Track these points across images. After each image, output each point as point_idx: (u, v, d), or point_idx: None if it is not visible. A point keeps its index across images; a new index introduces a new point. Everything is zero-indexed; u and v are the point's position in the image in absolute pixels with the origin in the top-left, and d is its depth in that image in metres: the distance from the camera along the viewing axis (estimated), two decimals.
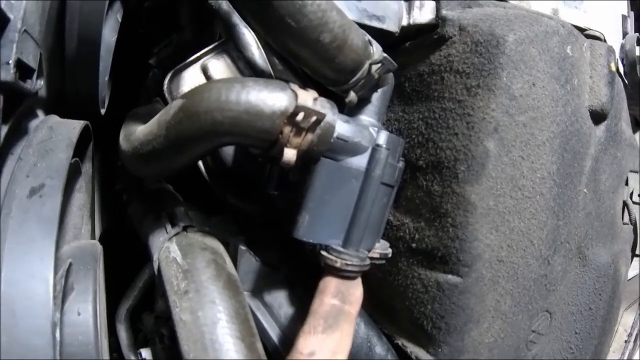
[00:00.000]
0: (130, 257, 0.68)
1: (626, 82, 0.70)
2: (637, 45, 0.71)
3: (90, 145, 0.63)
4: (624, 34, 0.76)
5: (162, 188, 0.69)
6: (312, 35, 0.39)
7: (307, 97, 0.40)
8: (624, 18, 0.77)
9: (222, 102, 0.39)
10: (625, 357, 0.79)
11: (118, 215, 0.74)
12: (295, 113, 0.39)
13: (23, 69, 0.43)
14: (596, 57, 0.57)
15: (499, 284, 0.52)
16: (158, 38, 0.81)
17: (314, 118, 0.39)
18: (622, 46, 0.72)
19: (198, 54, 0.62)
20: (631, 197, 0.73)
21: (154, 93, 0.72)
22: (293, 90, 0.40)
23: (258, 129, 0.39)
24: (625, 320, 0.81)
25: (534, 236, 0.53)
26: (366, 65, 0.44)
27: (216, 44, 0.62)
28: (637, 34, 0.73)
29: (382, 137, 0.45)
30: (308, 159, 0.43)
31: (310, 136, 0.41)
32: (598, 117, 0.58)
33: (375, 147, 0.44)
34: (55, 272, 0.48)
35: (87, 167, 0.65)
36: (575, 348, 0.62)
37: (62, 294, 0.43)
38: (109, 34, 0.62)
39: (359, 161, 0.44)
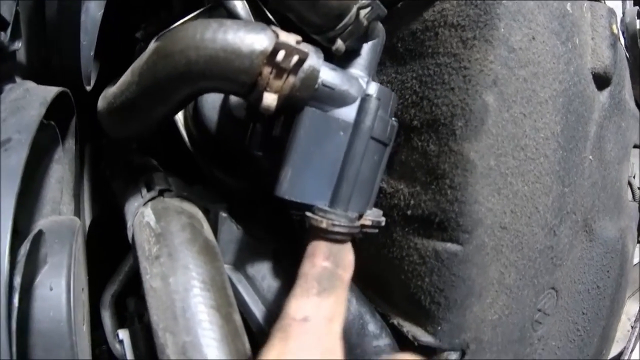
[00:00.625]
0: (121, 247, 0.64)
1: (627, 56, 0.68)
2: (638, 18, 0.69)
3: (73, 120, 0.61)
4: (623, 11, 0.74)
5: (145, 162, 0.65)
6: None
7: (289, 38, 0.37)
8: None
9: (198, 40, 0.36)
10: (630, 347, 0.74)
11: (108, 202, 0.71)
12: (275, 51, 0.36)
13: None
14: (597, 19, 0.54)
15: (502, 254, 0.48)
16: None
17: (295, 57, 0.36)
18: (622, 20, 0.70)
19: (183, 20, 0.60)
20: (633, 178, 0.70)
21: None
22: (274, 31, 0.37)
23: (235, 69, 0.36)
24: (628, 308, 0.77)
25: (539, 202, 0.49)
26: (354, 10, 0.41)
27: (202, 9, 0.60)
28: (637, 6, 0.71)
29: (372, 87, 0.42)
30: (291, 107, 0.39)
31: (292, 79, 0.37)
32: (601, 81, 0.55)
33: (365, 97, 0.41)
34: (19, 235, 0.44)
35: (70, 144, 0.62)
36: (583, 330, 0.57)
37: (29, 264, 0.40)
38: (95, 8, 0.61)
39: (347, 112, 0.41)
